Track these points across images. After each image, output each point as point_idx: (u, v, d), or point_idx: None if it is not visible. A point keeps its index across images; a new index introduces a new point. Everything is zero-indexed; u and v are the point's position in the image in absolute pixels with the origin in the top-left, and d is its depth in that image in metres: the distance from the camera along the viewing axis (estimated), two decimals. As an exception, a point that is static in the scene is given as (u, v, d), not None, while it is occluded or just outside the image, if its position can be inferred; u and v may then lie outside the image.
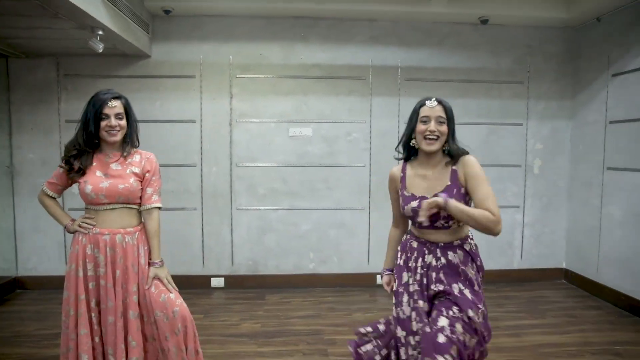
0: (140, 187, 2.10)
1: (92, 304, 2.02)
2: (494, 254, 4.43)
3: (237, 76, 4.15)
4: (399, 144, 2.01)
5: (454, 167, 1.87)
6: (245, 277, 4.26)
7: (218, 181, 4.20)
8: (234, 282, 4.25)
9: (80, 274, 2.01)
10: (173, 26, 4.07)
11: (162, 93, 4.13)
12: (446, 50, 4.26)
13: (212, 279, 4.24)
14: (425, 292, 1.87)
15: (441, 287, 1.82)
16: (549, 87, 4.41)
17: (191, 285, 4.10)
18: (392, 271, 2.07)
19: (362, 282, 4.30)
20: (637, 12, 3.61)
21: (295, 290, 4.19)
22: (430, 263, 1.88)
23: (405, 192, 1.93)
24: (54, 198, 2.17)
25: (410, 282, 1.91)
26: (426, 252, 1.90)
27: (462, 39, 4.27)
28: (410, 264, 1.94)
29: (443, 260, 1.86)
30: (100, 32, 3.13)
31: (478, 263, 1.92)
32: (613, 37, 3.89)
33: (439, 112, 1.87)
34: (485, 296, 1.91)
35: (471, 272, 1.87)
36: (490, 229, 1.72)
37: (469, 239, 1.93)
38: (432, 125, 1.85)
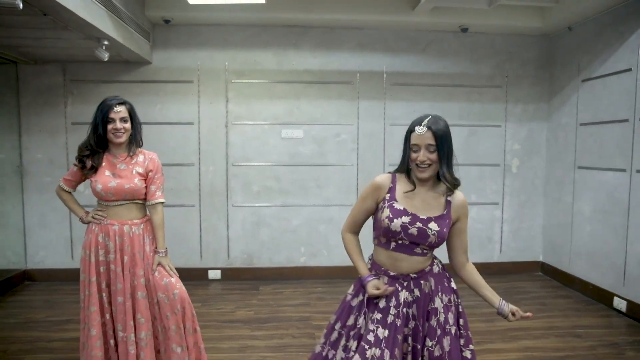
0: (145, 185, 2.37)
1: (103, 286, 2.29)
2: (475, 249, 4.71)
3: (233, 81, 4.42)
4: (400, 165, 1.84)
5: (448, 199, 1.80)
6: (241, 270, 4.54)
7: (215, 180, 4.47)
8: (230, 274, 4.52)
9: (92, 259, 2.28)
10: (172, 35, 4.33)
11: (162, 97, 4.40)
12: (429, 56, 4.54)
13: (209, 271, 4.51)
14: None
15: (419, 323, 1.77)
16: (527, 91, 4.69)
17: (189, 277, 4.36)
18: (373, 275, 1.83)
19: (351, 274, 4.57)
20: (603, 23, 3.90)
21: (287, 281, 4.46)
22: (405, 298, 1.77)
23: (395, 205, 1.76)
24: (70, 192, 2.43)
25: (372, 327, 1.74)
26: (399, 288, 1.77)
27: (444, 46, 4.55)
28: (377, 301, 1.77)
29: (423, 290, 1.78)
30: (106, 42, 3.39)
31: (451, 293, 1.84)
32: (583, 45, 4.17)
33: (429, 139, 1.71)
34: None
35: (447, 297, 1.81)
36: None
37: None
38: (422, 155, 1.72)
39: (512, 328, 3.33)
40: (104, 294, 2.29)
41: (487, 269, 4.72)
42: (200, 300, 3.89)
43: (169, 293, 2.29)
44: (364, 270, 1.86)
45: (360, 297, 1.85)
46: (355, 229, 1.93)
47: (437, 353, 1.75)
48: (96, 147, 2.31)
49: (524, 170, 4.75)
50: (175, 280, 2.34)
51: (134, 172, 2.34)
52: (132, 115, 2.38)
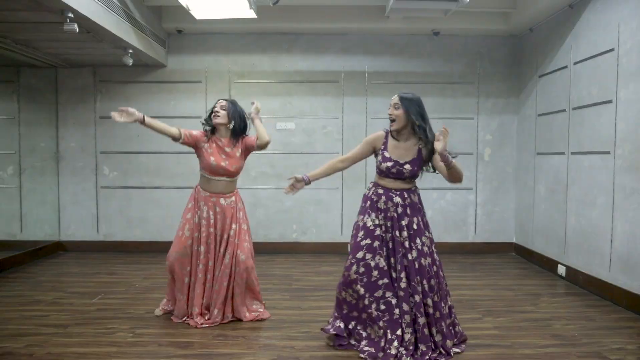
0: (243, 164, 3.55)
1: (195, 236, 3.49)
2: (450, 229, 5.84)
3: (235, 81, 5.74)
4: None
5: (420, 147, 2.96)
6: (240, 245, 5.81)
7: (219, 166, 5.78)
8: (231, 249, 5.80)
9: (189, 216, 3.50)
10: (184, 42, 5.70)
11: (175, 95, 5.75)
12: (406, 57, 5.75)
13: (213, 246, 5.80)
14: (390, 233, 2.94)
15: (406, 222, 2.92)
16: (497, 87, 5.82)
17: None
18: (309, 182, 3.15)
19: (336, 249, 5.77)
20: (554, 24, 5.01)
21: (279, 254, 5.69)
22: (398, 202, 2.96)
23: (385, 154, 2.97)
24: (177, 131, 3.44)
25: (377, 222, 2.95)
26: (392, 195, 2.96)
27: (419, 48, 5.75)
28: (379, 205, 2.97)
29: (408, 200, 2.98)
30: (131, 51, 4.76)
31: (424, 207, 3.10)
32: (539, 45, 5.29)
33: (395, 99, 2.93)
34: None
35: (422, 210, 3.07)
36: (461, 178, 2.85)
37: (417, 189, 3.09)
38: (390, 110, 2.95)
39: (457, 285, 4.45)
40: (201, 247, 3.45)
41: (462, 249, 5.85)
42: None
43: (245, 252, 3.49)
44: (311, 174, 3.21)
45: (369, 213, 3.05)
46: (343, 161, 3.19)
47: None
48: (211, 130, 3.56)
49: (496, 158, 5.85)
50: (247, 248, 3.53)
51: (238, 154, 3.51)
52: (231, 109, 3.48)
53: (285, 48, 5.73)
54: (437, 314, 2.91)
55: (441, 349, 2.89)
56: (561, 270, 4.74)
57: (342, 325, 3.05)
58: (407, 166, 2.96)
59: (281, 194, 5.80)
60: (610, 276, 4.02)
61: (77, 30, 3.60)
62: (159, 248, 5.76)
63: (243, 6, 4.50)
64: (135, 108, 5.90)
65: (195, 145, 3.49)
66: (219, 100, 3.57)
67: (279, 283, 4.51)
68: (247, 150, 3.57)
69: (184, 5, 4.44)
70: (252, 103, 3.58)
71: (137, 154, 5.78)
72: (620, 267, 3.90)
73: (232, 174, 3.51)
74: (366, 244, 2.96)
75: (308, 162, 5.78)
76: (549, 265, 5.00)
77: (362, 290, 2.93)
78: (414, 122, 2.91)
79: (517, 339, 3.18)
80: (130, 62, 4.84)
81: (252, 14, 4.74)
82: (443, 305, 2.96)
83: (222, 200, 3.48)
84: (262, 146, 3.52)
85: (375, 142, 3.08)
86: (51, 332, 3.24)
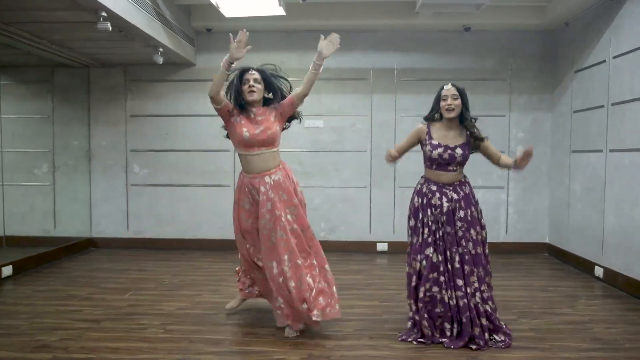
0: (280, 131, 3.18)
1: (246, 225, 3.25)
2: (481, 229, 5.70)
3: (263, 79, 5.73)
4: (429, 116, 3.16)
5: (467, 133, 3.10)
6: (268, 243, 5.80)
7: (247, 164, 5.79)
8: (259, 247, 5.79)
9: (245, 205, 3.22)
10: (213, 41, 5.73)
11: (204, 93, 5.66)
12: (436, 54, 5.65)
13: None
14: (443, 227, 3.00)
15: (462, 214, 3.00)
16: (530, 83, 5.67)
17: (222, 247, 5.66)
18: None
19: (364, 248, 5.71)
20: (589, 18, 4.85)
21: (308, 253, 5.66)
22: (452, 197, 3.03)
23: (433, 141, 3.05)
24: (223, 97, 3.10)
25: (431, 219, 3.02)
26: (446, 191, 3.04)
27: (450, 44, 5.64)
28: (433, 202, 3.03)
29: (462, 193, 3.05)
30: (161, 49, 4.80)
31: (476, 197, 3.18)
32: (576, 39, 5.12)
33: (453, 91, 3.03)
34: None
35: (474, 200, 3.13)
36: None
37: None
38: (449, 100, 3.01)
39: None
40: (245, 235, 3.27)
41: (494, 248, 5.65)
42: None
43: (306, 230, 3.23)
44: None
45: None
46: (397, 150, 3.25)
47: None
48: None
49: (529, 156, 5.69)
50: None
51: (273, 118, 3.19)
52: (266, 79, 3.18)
53: (314, 46, 5.67)
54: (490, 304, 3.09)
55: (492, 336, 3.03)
56: (598, 271, 4.57)
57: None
58: (459, 150, 3.05)
59: (309, 192, 5.76)
60: (652, 278, 3.87)
61: (110, 29, 3.65)
62: (188, 245, 5.83)
63: (272, 4, 4.49)
64: (165, 106, 6.02)
65: (227, 116, 3.16)
66: (247, 70, 3.13)
67: (308, 281, 4.49)
68: (284, 112, 3.21)
69: (214, 3, 4.46)
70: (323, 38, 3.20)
71: (166, 152, 5.83)
72: (664, 269, 3.75)
73: (268, 143, 3.11)
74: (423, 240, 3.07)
75: (337, 160, 5.74)
76: (585, 266, 4.84)
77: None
78: (466, 112, 3.07)
79: (556, 341, 3.08)
80: (160, 60, 4.88)
81: (281, 12, 4.73)
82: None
83: (267, 179, 3.13)
84: (300, 94, 3.24)
85: (419, 133, 3.18)
86: (85, 326, 3.29)
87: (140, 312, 3.60)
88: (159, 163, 5.85)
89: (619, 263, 4.30)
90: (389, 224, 5.77)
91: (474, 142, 3.12)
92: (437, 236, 3.04)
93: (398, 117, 5.68)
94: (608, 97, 4.49)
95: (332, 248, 5.74)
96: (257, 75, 3.15)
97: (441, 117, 3.12)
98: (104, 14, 3.61)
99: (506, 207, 5.75)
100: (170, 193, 5.88)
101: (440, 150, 3.05)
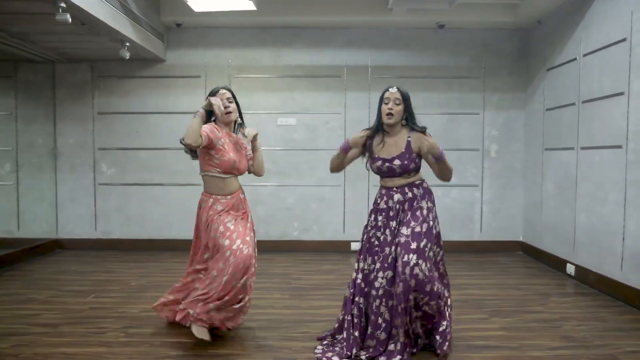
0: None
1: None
2: (456, 227, 5.68)
3: (235, 76, 5.61)
4: (374, 124, 2.90)
5: (408, 139, 2.80)
6: (241, 243, 5.68)
7: (219, 162, 5.66)
8: (232, 247, 5.67)
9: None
10: (183, 36, 5.58)
11: (174, 90, 5.64)
12: (410, 51, 5.60)
13: (213, 244, 5.68)
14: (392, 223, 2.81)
15: (405, 217, 2.78)
16: (504, 81, 5.66)
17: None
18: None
19: (338, 247, 5.63)
20: (563, 15, 4.85)
21: (281, 253, 5.55)
22: (398, 199, 2.81)
23: (373, 154, 2.84)
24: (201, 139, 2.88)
25: (379, 224, 2.88)
26: (393, 194, 2.83)
27: (424, 41, 5.59)
28: (380, 206, 2.87)
29: (409, 195, 2.81)
30: (128, 44, 4.65)
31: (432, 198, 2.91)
32: (548, 37, 5.12)
33: (396, 95, 2.77)
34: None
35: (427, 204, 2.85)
36: (451, 175, 2.82)
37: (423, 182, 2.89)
38: (390, 104, 2.76)
39: (464, 284, 4.30)
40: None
41: (469, 247, 5.69)
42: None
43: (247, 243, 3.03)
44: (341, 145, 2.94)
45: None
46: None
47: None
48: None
49: (503, 154, 5.69)
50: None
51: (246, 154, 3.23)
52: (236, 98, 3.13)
53: (287, 42, 5.59)
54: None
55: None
56: (570, 269, 4.57)
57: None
58: (396, 161, 2.81)
59: (283, 191, 5.68)
60: (622, 275, 3.86)
61: (70, 20, 3.49)
62: (158, 246, 5.67)
63: (242, -3, 4.39)
64: (134, 103, 5.86)
65: (210, 144, 2.97)
66: (219, 90, 3.09)
67: (279, 282, 4.38)
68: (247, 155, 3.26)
69: (182, -4, 4.33)
70: (244, 135, 3.18)
71: (135, 150, 5.66)
72: (633, 265, 3.74)
73: (242, 172, 3.19)
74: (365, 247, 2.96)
75: (310, 159, 5.64)
76: (557, 264, 4.83)
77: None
78: (411, 119, 2.85)
79: (526, 340, 3.03)
80: (127, 55, 4.73)
81: (251, 6, 4.62)
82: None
83: (241, 195, 3.19)
84: (256, 174, 3.31)
85: (356, 144, 2.90)
86: (41, 331, 3.13)
87: (102, 315, 3.45)
88: (128, 162, 5.68)
89: (590, 260, 4.30)
90: (363, 223, 5.64)
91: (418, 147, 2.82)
92: (373, 242, 2.91)
93: (372, 115, 5.59)
94: (579, 94, 4.50)
95: (306, 248, 5.67)
96: (229, 95, 3.11)
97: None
98: (62, 4, 3.44)
99: (480, 206, 5.73)
100: (140, 192, 5.71)
101: (378, 163, 2.86)
